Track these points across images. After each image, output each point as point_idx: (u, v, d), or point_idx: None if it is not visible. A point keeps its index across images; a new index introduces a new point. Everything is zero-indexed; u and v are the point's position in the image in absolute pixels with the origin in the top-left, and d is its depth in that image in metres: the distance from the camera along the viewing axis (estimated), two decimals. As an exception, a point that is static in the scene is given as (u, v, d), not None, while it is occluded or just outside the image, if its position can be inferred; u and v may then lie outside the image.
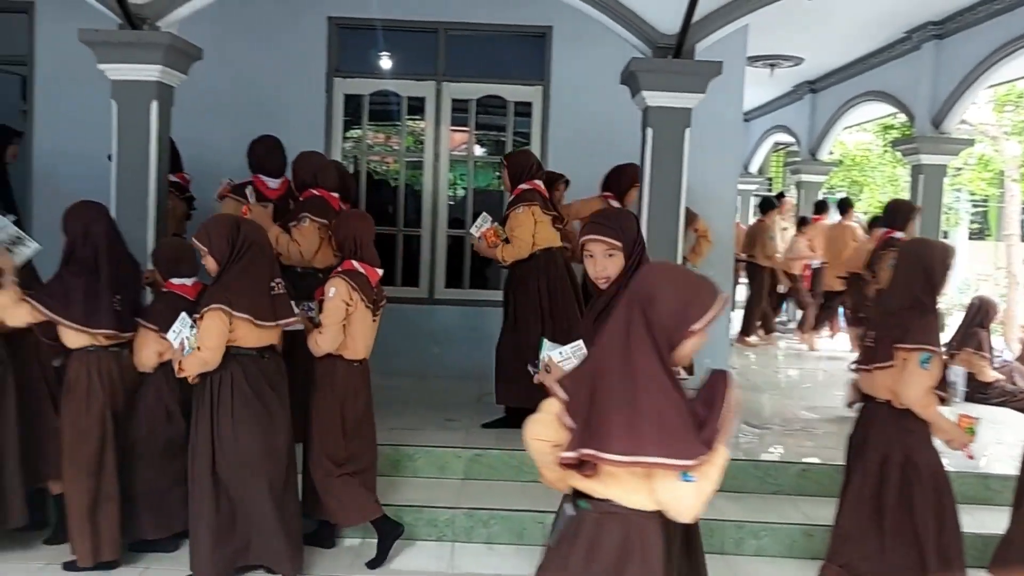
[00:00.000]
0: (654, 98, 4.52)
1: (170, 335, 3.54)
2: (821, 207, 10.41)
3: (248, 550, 3.69)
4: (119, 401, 3.77)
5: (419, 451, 4.78)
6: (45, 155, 6.31)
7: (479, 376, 5.91)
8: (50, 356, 3.86)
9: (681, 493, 1.93)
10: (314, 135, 6.45)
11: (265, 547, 3.68)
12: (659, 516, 2.05)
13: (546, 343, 2.83)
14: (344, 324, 3.76)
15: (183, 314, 3.57)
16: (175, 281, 3.87)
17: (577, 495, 2.11)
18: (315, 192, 4.63)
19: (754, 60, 8.80)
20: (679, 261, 4.64)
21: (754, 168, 14.37)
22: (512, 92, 6.65)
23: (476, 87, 6.62)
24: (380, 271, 3.93)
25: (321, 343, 3.76)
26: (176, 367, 3.55)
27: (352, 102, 6.67)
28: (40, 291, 3.67)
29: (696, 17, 4.29)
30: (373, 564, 3.98)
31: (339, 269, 3.85)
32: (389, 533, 4.02)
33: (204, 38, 4.75)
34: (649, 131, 4.58)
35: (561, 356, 2.73)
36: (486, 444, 4.88)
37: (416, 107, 6.74)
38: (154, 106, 4.38)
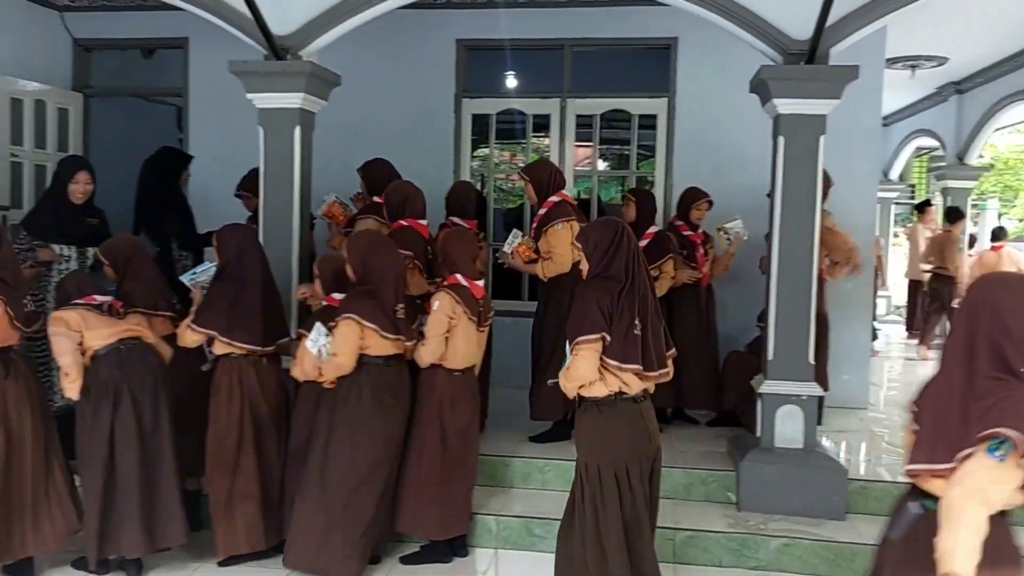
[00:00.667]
0: (786, 106, 4.39)
1: (308, 344, 3.77)
2: (954, 214, 9.85)
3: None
4: (259, 405, 4.03)
5: (549, 464, 4.80)
6: (199, 180, 6.76)
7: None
8: (201, 361, 4.16)
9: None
10: (443, 155, 6.64)
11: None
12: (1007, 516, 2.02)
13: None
14: (447, 336, 3.87)
15: (318, 324, 3.80)
16: (336, 296, 4.07)
17: (922, 494, 2.08)
18: (403, 223, 4.57)
19: (893, 62, 8.38)
20: (814, 277, 4.46)
21: (895, 175, 13.65)
22: (636, 105, 6.62)
23: (600, 102, 6.63)
24: (480, 283, 4.05)
25: (423, 354, 3.90)
26: (316, 373, 3.80)
27: (479, 121, 6.82)
28: (198, 311, 3.98)
29: (830, 21, 4.14)
30: (407, 560, 4.07)
31: (444, 283, 3.99)
32: (441, 554, 4.05)
33: (341, 65, 4.99)
34: (781, 140, 4.45)
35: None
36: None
37: (541, 124, 6.82)
38: (297, 131, 4.64)
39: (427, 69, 6.64)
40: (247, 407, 3.98)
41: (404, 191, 4.64)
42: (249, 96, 4.62)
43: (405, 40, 6.56)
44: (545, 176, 4.98)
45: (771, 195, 4.58)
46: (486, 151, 7.11)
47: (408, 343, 3.90)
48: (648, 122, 6.63)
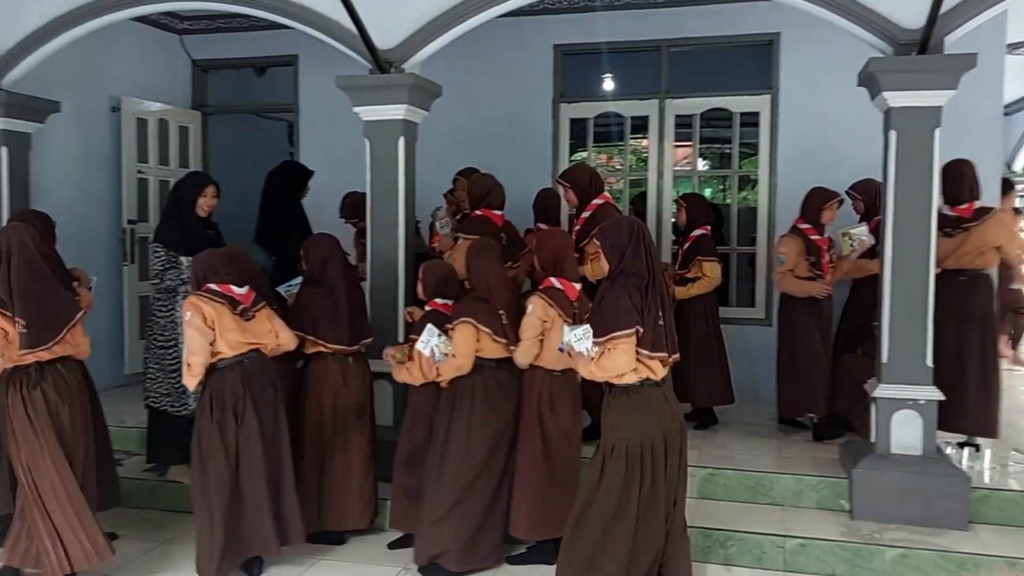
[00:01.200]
0: (897, 99, 4.22)
1: (420, 345, 3.94)
2: None
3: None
4: (345, 401, 4.26)
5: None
6: (310, 192, 7.05)
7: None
8: (294, 359, 4.40)
9: None
10: (541, 160, 6.69)
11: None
12: None
13: (565, 328, 3.36)
14: (542, 338, 3.94)
15: (429, 325, 3.96)
16: (438, 300, 4.23)
17: None
18: (479, 212, 4.89)
19: (1015, 47, 7.93)
20: (931, 275, 4.27)
21: (1019, 166, 12.89)
22: (738, 103, 6.50)
23: (700, 101, 6.54)
24: (577, 285, 4.07)
25: (518, 356, 3.98)
26: (433, 373, 3.98)
27: (576, 125, 6.85)
28: (291, 315, 4.24)
29: (945, 7, 3.97)
30: (514, 560, 4.12)
31: (539, 287, 4.06)
32: (547, 555, 4.01)
33: (440, 75, 5.11)
34: (892, 134, 4.29)
35: (575, 337, 3.26)
36: (720, 463, 4.78)
37: (639, 126, 6.78)
38: (401, 142, 4.78)
39: (524, 75, 6.71)
40: (335, 403, 4.25)
41: (488, 184, 4.96)
42: (355, 109, 4.79)
43: (502, 48, 6.65)
44: (585, 180, 5.06)
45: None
46: (584, 154, 7.12)
47: (512, 347, 3.99)
48: (750, 120, 6.51)
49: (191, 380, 3.81)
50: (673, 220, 6.42)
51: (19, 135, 5.43)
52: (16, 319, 3.59)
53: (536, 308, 3.94)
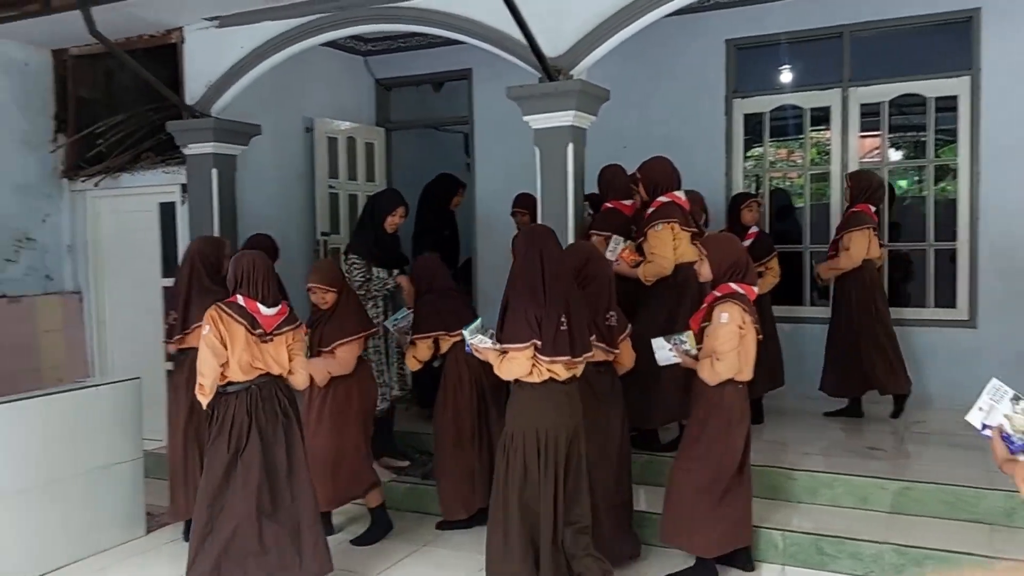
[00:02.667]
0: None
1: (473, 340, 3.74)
2: None
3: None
4: (485, 384, 4.54)
5: (838, 479, 4.52)
6: (485, 200, 7.30)
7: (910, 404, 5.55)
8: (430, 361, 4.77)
9: None
10: (714, 158, 6.54)
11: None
12: None
13: (466, 331, 3.65)
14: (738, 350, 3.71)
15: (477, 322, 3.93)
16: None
17: None
18: (609, 205, 5.08)
19: None
20: None
21: None
22: (932, 87, 6.02)
23: (887, 88, 6.13)
24: (756, 288, 3.94)
25: (720, 371, 3.73)
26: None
27: (751, 120, 6.62)
28: (416, 326, 4.67)
29: None
30: None
31: (721, 293, 3.81)
32: (710, 571, 3.92)
33: (608, 77, 5.11)
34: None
35: (480, 341, 3.57)
36: (915, 476, 4.45)
37: (819, 117, 6.44)
38: (570, 147, 4.81)
39: (693, 73, 6.59)
40: (475, 387, 4.58)
41: (613, 172, 5.16)
42: (525, 118, 4.88)
43: (670, 47, 6.56)
44: (657, 176, 4.86)
45: None
46: (759, 150, 6.86)
47: (615, 351, 3.94)
48: (947, 104, 6.01)
49: (202, 399, 3.65)
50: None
51: (226, 157, 6.00)
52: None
53: (733, 316, 3.71)
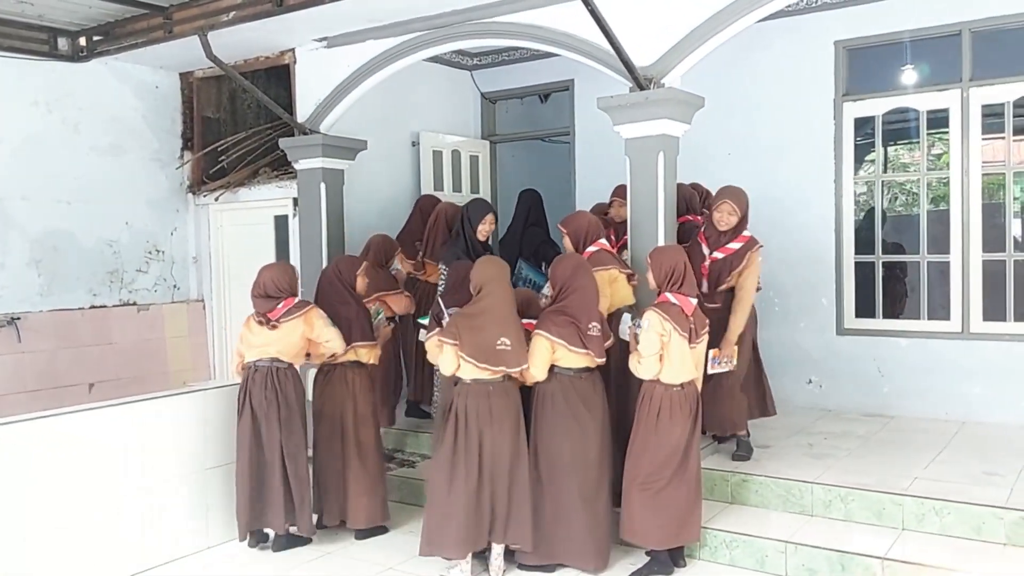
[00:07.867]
0: None
1: None
2: None
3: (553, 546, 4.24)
4: None
5: (948, 506, 4.23)
6: (586, 208, 7.27)
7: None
8: None
9: None
10: (822, 164, 6.32)
11: (570, 546, 4.18)
12: None
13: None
14: (661, 353, 4.03)
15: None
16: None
17: None
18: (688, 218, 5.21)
19: None
20: None
21: None
22: (1061, 85, 5.60)
23: (1012, 87, 5.74)
24: (694, 301, 4.13)
25: (640, 372, 4.11)
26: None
27: (862, 124, 6.34)
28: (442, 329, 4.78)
29: None
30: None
31: (657, 303, 4.11)
32: (661, 564, 4.15)
33: (707, 84, 5.04)
34: None
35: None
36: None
37: (936, 120, 6.10)
38: (661, 157, 4.78)
39: (799, 76, 6.40)
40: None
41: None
42: (615, 128, 4.88)
43: (772, 50, 6.40)
44: (580, 228, 4.79)
45: None
46: (872, 155, 6.56)
47: (599, 359, 4.18)
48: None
49: (235, 375, 4.81)
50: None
51: (335, 172, 6.29)
52: None
53: (652, 323, 4.01)
